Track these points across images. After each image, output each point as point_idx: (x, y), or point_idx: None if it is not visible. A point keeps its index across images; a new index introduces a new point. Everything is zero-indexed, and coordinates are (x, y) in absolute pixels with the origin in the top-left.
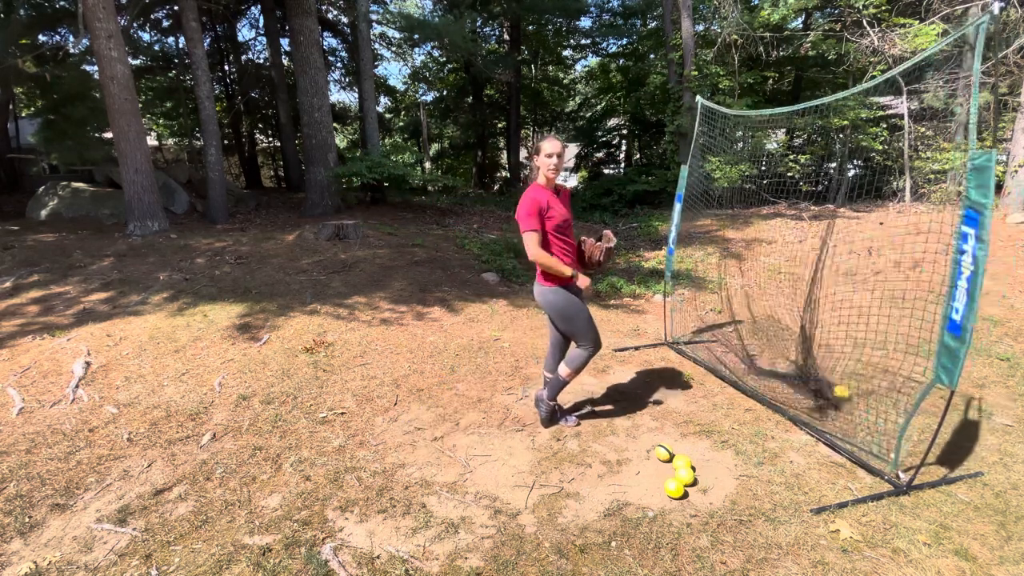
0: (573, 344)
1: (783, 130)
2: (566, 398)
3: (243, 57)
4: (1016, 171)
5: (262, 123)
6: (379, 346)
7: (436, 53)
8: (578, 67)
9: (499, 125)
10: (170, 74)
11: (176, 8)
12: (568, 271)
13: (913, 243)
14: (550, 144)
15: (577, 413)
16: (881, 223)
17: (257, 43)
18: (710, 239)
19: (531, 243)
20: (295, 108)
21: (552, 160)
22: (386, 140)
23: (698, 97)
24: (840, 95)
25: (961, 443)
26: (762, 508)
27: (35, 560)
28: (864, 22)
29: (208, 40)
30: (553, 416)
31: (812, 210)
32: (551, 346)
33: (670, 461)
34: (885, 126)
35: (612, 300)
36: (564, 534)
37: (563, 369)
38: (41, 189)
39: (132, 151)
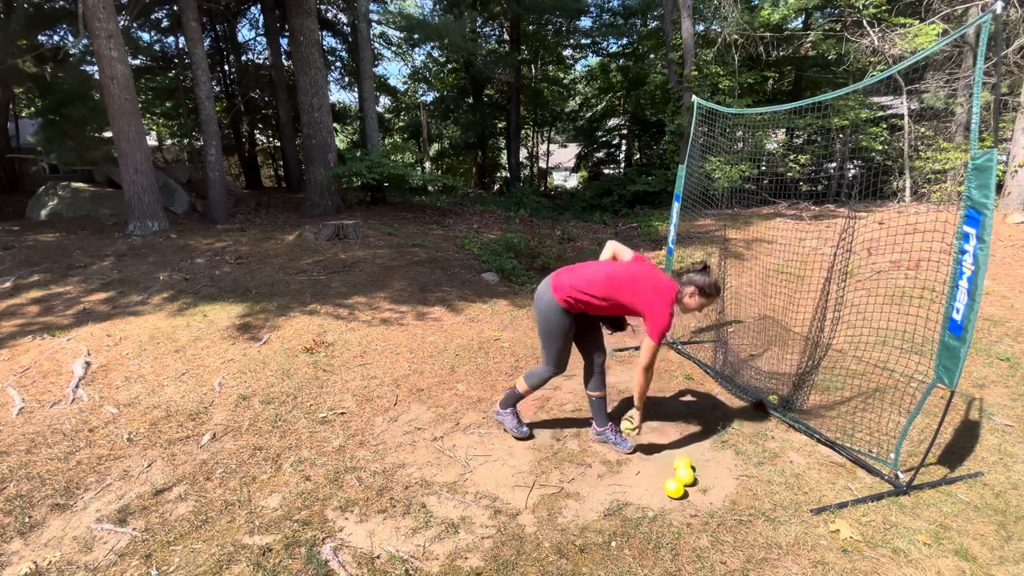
0: (540, 361)
1: (783, 130)
2: (560, 397)
3: (243, 57)
4: (1016, 171)
5: (262, 123)
6: (379, 346)
7: (436, 53)
8: (578, 67)
9: (499, 125)
10: (170, 74)
11: (176, 8)
12: (639, 402)
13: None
14: (717, 297)
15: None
16: (881, 223)
17: (257, 43)
18: (710, 239)
19: (652, 355)
20: (295, 108)
21: (706, 309)
22: (386, 140)
23: (694, 97)
24: (835, 93)
25: (961, 443)
26: (762, 508)
27: (35, 560)
28: (864, 22)
29: (208, 40)
30: (518, 419)
31: (812, 210)
32: (584, 364)
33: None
34: (885, 126)
35: None
36: (564, 534)
37: (521, 384)
38: (41, 189)
39: (132, 151)
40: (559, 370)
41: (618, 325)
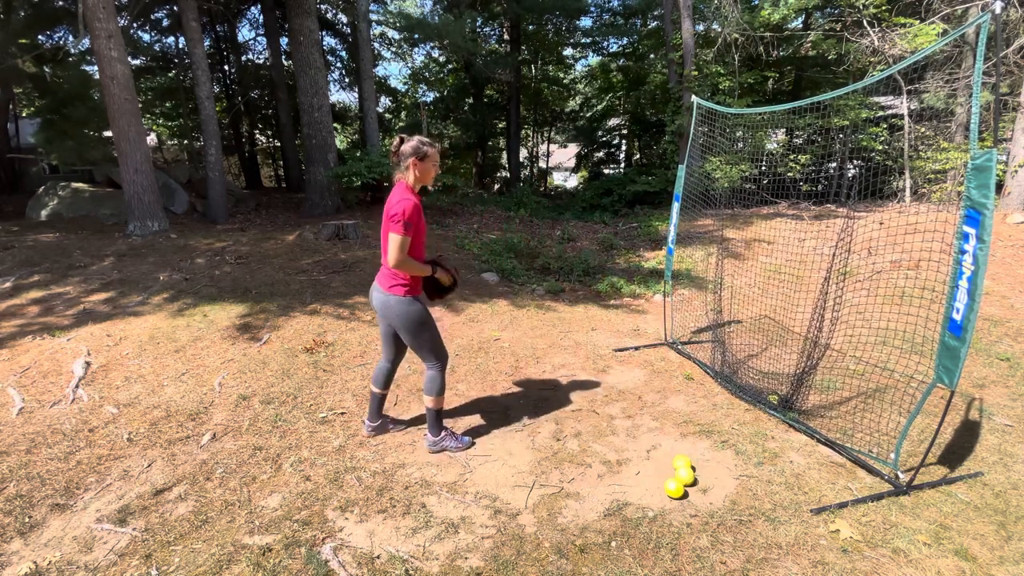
0: (424, 369)
1: (783, 130)
2: (559, 397)
3: (243, 57)
4: (1016, 171)
5: (262, 123)
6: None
7: (436, 53)
8: (578, 67)
9: (499, 125)
10: (170, 74)
11: (176, 8)
12: (428, 269)
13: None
14: (437, 150)
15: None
16: (881, 223)
17: (257, 43)
18: (710, 239)
19: (402, 247)
20: (295, 108)
21: (437, 167)
22: (386, 140)
23: (694, 97)
24: (835, 93)
25: (961, 443)
26: (762, 508)
27: (35, 560)
28: (864, 22)
29: (208, 40)
30: (443, 444)
31: (812, 210)
32: (385, 360)
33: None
34: (885, 126)
35: (612, 300)
36: (564, 534)
37: (427, 400)
38: (41, 189)
39: (132, 151)
40: (443, 360)
41: (436, 291)
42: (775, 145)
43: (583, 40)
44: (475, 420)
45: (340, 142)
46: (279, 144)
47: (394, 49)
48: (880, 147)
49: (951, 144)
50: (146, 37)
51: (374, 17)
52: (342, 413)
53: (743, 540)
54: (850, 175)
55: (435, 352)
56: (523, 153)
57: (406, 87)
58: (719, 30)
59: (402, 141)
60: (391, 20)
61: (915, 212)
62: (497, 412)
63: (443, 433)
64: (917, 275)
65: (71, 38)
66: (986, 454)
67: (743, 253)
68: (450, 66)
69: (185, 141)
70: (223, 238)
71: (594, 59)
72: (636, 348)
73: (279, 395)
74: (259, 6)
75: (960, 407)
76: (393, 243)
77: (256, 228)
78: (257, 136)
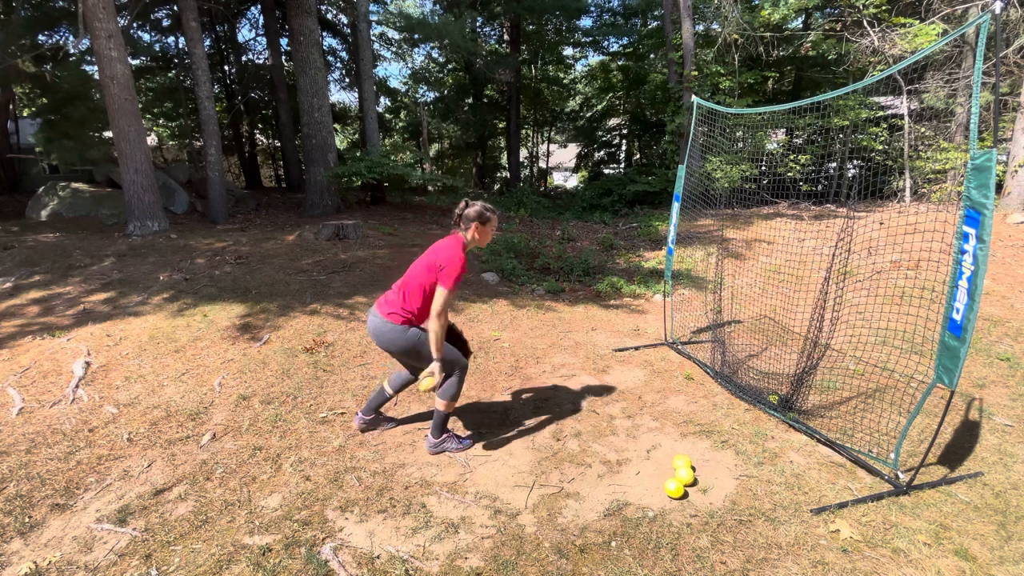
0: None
1: (783, 130)
2: (559, 396)
3: (243, 57)
4: (1016, 171)
5: (262, 123)
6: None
7: (436, 53)
8: (578, 67)
9: (499, 125)
10: (170, 74)
11: (176, 8)
12: (438, 354)
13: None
14: (497, 216)
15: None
16: (881, 223)
17: (257, 43)
18: (710, 239)
19: (446, 301)
20: (295, 108)
21: (494, 232)
22: (386, 140)
23: (694, 97)
24: (835, 93)
25: (961, 443)
26: (762, 508)
27: (35, 560)
28: (864, 22)
29: (208, 40)
30: (444, 446)
31: (812, 210)
32: (408, 371)
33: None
34: (885, 126)
35: (612, 300)
36: (564, 534)
37: (439, 402)
38: (41, 189)
39: (132, 151)
40: (464, 367)
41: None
42: (775, 145)
43: (583, 40)
44: (475, 420)
45: (340, 142)
46: (279, 144)
47: (394, 49)
48: (880, 147)
49: (951, 144)
50: (146, 37)
51: (374, 17)
52: (342, 413)
53: (743, 540)
54: (850, 175)
55: (455, 362)
56: (523, 153)
57: (406, 87)
58: (719, 30)
59: (467, 205)
60: (391, 20)
61: (915, 212)
62: (497, 412)
63: (444, 436)
64: (917, 275)
65: (71, 38)
66: (986, 454)
67: (743, 253)
68: (450, 66)
69: (185, 141)
70: (223, 238)
71: (594, 59)
72: (636, 348)
73: (279, 395)
74: (259, 6)
75: (960, 407)
76: (440, 296)
77: (256, 228)
78: (257, 136)
